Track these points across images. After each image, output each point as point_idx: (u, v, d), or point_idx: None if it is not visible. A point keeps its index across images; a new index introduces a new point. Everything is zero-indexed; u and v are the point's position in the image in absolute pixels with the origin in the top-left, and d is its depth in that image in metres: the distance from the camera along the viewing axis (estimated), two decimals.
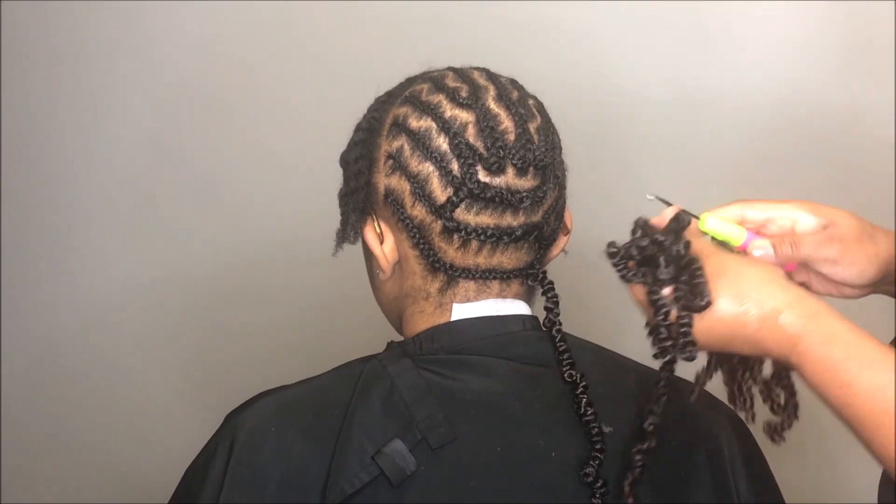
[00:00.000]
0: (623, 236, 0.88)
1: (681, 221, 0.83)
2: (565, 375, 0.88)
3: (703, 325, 0.77)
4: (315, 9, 1.68)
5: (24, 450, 1.85)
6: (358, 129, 0.93)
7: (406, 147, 0.87)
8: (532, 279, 0.91)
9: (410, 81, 0.92)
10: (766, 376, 0.85)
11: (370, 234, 0.91)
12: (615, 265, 0.81)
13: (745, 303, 0.76)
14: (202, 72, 1.74)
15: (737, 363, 0.87)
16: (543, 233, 0.90)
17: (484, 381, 0.87)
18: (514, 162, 0.85)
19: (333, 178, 0.95)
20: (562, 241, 0.94)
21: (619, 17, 1.63)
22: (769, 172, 1.64)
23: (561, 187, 0.91)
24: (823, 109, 1.60)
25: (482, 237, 0.87)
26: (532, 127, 0.87)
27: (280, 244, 1.76)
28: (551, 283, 0.92)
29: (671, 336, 0.79)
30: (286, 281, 1.78)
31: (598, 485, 0.83)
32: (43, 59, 1.77)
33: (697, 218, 0.84)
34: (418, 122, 0.87)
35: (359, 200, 0.91)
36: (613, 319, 1.71)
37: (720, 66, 1.64)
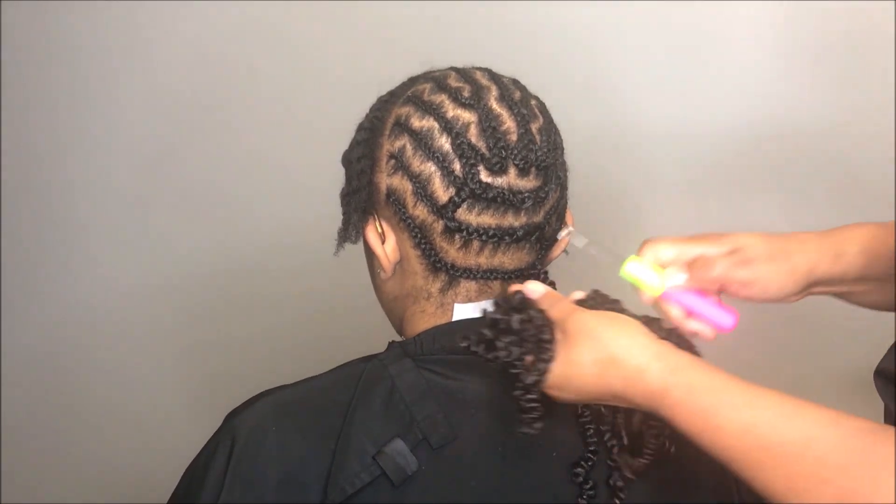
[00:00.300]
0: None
1: (511, 301, 0.85)
2: None
3: (574, 387, 0.79)
4: (315, 9, 1.68)
5: (24, 450, 1.85)
6: (360, 128, 0.93)
7: (408, 147, 0.87)
8: (534, 279, 0.91)
9: (413, 81, 0.92)
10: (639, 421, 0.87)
11: (372, 233, 0.91)
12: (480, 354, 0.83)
13: (607, 365, 0.78)
14: (202, 73, 1.74)
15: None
16: (545, 233, 0.90)
17: (484, 381, 0.87)
18: (516, 162, 0.86)
19: (335, 178, 0.95)
20: (563, 241, 0.94)
21: (620, 19, 1.63)
22: (766, 173, 1.64)
23: (563, 188, 0.91)
24: (822, 120, 1.60)
25: (484, 237, 0.87)
26: (534, 127, 0.87)
27: (280, 244, 1.76)
28: (552, 283, 0.92)
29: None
30: (286, 281, 1.78)
31: (588, 486, 0.84)
32: (41, 63, 1.77)
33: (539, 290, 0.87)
34: (420, 122, 0.87)
35: (360, 200, 0.91)
36: None
37: (720, 63, 1.64)
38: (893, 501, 0.62)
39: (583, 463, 0.84)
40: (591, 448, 0.85)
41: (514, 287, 0.87)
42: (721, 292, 0.90)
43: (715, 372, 0.75)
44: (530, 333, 0.82)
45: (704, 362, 0.77)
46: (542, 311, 0.83)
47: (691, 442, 0.74)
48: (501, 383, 0.84)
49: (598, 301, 0.85)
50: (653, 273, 0.88)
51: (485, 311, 0.85)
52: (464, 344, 0.84)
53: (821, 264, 0.88)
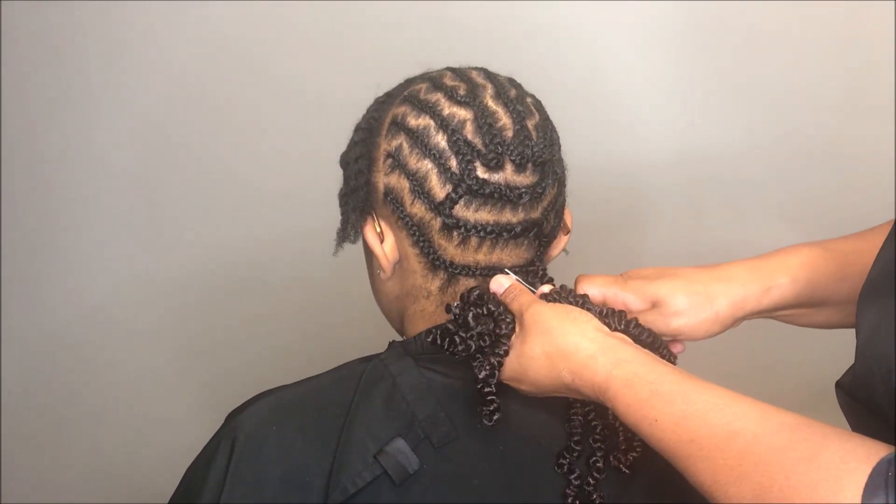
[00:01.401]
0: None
1: (468, 297, 0.87)
2: None
3: (529, 380, 0.82)
4: (315, 10, 1.68)
5: (24, 450, 1.85)
6: (357, 129, 0.93)
7: (405, 145, 0.87)
8: (532, 276, 0.91)
9: (409, 82, 0.93)
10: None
11: (370, 233, 0.91)
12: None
13: (556, 358, 0.80)
14: (202, 72, 1.74)
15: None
16: (543, 230, 0.90)
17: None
18: (512, 158, 0.86)
19: (334, 178, 0.95)
20: (562, 240, 0.94)
21: (619, 19, 1.63)
22: (771, 165, 1.64)
23: (560, 184, 0.92)
24: (823, 98, 1.60)
25: (482, 234, 0.87)
26: (530, 124, 0.88)
27: (281, 244, 1.76)
28: (550, 280, 0.92)
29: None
30: (287, 281, 1.78)
31: (574, 475, 0.84)
32: (41, 60, 1.77)
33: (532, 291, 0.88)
34: (417, 121, 0.87)
35: (359, 200, 0.91)
36: None
37: (720, 63, 1.64)
38: (808, 501, 0.61)
39: (566, 453, 0.85)
40: (576, 439, 0.85)
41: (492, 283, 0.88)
42: None
43: (657, 365, 0.76)
44: (488, 328, 0.84)
45: (651, 356, 0.78)
46: (503, 305, 0.86)
47: (632, 430, 0.76)
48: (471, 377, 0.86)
49: (562, 295, 0.87)
50: None
51: (447, 307, 0.87)
52: (429, 339, 0.87)
53: (748, 302, 0.89)
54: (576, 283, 0.92)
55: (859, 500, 0.59)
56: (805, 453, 0.64)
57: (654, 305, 0.89)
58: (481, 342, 0.85)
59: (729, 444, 0.68)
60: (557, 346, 0.80)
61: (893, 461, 0.59)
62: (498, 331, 0.84)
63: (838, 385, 0.81)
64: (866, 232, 0.93)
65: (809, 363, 1.53)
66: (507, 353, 0.83)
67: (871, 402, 0.73)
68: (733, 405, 0.70)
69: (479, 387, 0.83)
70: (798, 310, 0.92)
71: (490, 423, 0.83)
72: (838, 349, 0.95)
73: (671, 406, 0.72)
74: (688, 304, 0.88)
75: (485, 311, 0.86)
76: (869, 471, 0.60)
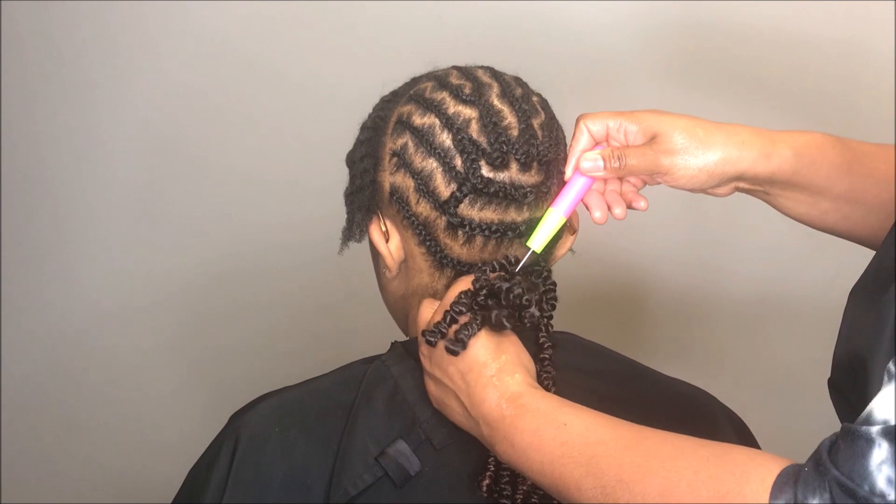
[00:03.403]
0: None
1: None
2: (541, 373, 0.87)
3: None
4: (320, 9, 1.68)
5: (24, 450, 1.85)
6: (363, 128, 0.93)
7: (410, 144, 0.87)
8: (536, 276, 0.91)
9: (415, 81, 0.93)
10: None
11: (376, 232, 0.91)
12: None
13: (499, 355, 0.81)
14: (206, 72, 1.75)
15: None
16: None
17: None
18: (517, 157, 0.85)
19: (339, 177, 0.95)
20: (568, 240, 0.94)
21: (624, 18, 1.63)
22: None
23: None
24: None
25: (487, 232, 0.86)
26: (536, 123, 0.87)
27: (284, 244, 1.76)
28: (553, 283, 0.91)
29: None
30: (290, 282, 1.78)
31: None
32: (44, 58, 1.78)
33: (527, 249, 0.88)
34: (422, 119, 0.87)
35: (364, 199, 0.91)
36: (617, 320, 1.72)
37: (721, 64, 1.64)
38: (714, 496, 0.62)
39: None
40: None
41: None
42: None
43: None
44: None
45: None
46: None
47: (525, 443, 0.76)
48: None
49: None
50: (550, 222, 0.88)
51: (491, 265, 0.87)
52: (482, 292, 0.84)
53: (743, 161, 0.86)
54: (577, 122, 0.90)
55: (766, 499, 0.60)
56: (713, 452, 0.65)
57: (653, 139, 0.87)
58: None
59: (638, 443, 0.69)
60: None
61: (809, 460, 0.60)
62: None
63: (829, 383, 0.82)
64: (888, 146, 0.91)
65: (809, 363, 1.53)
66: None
67: (850, 395, 0.73)
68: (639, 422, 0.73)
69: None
70: (793, 192, 0.89)
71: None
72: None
73: (581, 413, 0.75)
74: (684, 144, 0.86)
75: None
76: (777, 471, 0.61)
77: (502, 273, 0.86)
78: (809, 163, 0.87)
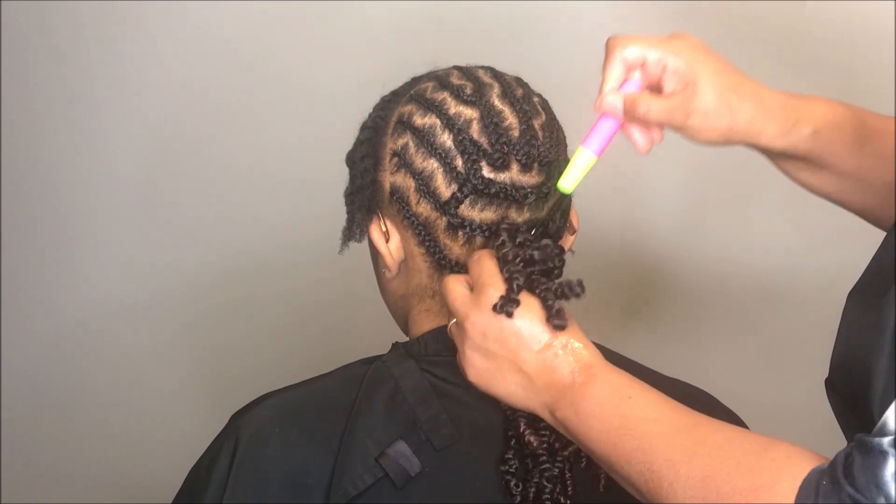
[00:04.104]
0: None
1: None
2: None
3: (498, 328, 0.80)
4: (321, 9, 1.68)
5: (24, 449, 1.85)
6: (364, 127, 0.93)
7: (411, 144, 0.87)
8: (548, 274, 0.90)
9: (416, 80, 0.93)
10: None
11: (376, 232, 0.91)
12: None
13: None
14: (207, 72, 1.74)
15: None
16: (549, 229, 0.90)
17: None
18: (518, 158, 0.85)
19: (339, 177, 0.95)
20: (568, 240, 0.94)
21: (622, 14, 1.63)
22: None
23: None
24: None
25: (487, 233, 0.86)
26: (537, 123, 0.87)
27: (286, 243, 1.76)
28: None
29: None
30: (290, 281, 1.78)
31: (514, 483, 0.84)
32: (44, 57, 1.78)
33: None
34: (423, 120, 0.87)
35: (364, 199, 0.91)
36: (619, 321, 1.72)
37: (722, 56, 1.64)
38: (749, 488, 0.64)
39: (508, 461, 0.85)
40: (544, 445, 0.85)
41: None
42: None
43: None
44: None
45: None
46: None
47: (588, 412, 0.77)
48: None
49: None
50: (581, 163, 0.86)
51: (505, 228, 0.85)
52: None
53: (763, 135, 0.85)
54: (610, 47, 0.85)
55: (792, 500, 0.61)
56: (756, 447, 0.67)
57: (685, 89, 0.83)
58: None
59: (691, 428, 0.71)
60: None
61: (826, 471, 0.61)
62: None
63: (826, 383, 0.82)
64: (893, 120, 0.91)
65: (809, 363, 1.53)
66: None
67: (848, 397, 0.74)
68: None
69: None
70: (800, 163, 0.90)
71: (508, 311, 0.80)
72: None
73: (646, 391, 0.76)
74: (714, 107, 0.83)
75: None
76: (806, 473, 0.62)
77: (527, 237, 0.85)
78: (825, 142, 0.87)
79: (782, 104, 0.86)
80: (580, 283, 0.81)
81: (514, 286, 0.80)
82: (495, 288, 0.80)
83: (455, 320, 0.83)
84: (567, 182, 0.85)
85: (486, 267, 0.81)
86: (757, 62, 1.62)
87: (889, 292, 0.66)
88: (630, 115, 0.84)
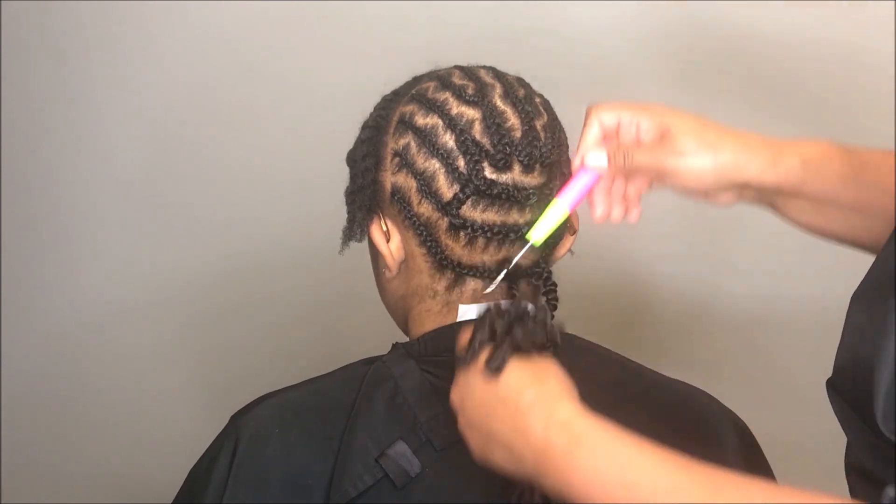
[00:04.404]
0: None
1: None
2: None
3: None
4: (322, 8, 1.68)
5: (24, 449, 1.85)
6: (365, 127, 0.93)
7: (412, 144, 0.86)
8: (536, 278, 0.91)
9: (417, 80, 0.92)
10: None
11: (376, 232, 0.91)
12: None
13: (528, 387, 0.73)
14: (207, 70, 1.74)
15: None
16: (547, 242, 0.89)
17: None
18: (520, 159, 0.85)
19: (340, 176, 0.95)
20: (568, 240, 0.94)
21: (627, 18, 1.63)
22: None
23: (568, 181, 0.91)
24: (825, 101, 1.60)
25: (488, 234, 0.86)
26: (539, 124, 0.87)
27: (286, 243, 1.76)
28: (554, 283, 0.91)
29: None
30: (291, 280, 1.78)
31: None
32: (45, 56, 1.77)
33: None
34: (425, 120, 0.87)
35: (365, 198, 0.91)
36: (619, 322, 1.72)
37: (724, 65, 1.64)
38: None
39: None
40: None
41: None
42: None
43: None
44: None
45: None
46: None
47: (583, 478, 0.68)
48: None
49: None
50: (553, 216, 0.86)
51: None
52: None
53: (750, 167, 0.85)
54: (588, 112, 0.88)
55: None
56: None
57: (662, 137, 0.85)
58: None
59: (716, 493, 0.65)
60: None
61: None
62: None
63: (828, 384, 0.82)
64: (889, 153, 0.90)
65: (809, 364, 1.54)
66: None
67: (852, 399, 0.73)
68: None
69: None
70: (800, 202, 0.88)
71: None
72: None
73: (644, 451, 0.68)
74: (693, 145, 0.84)
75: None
76: None
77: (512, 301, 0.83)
78: (816, 172, 0.86)
79: (764, 140, 0.86)
80: (549, 331, 0.77)
81: (475, 344, 0.76)
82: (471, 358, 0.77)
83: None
84: (538, 234, 0.86)
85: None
86: (756, 64, 1.63)
87: (893, 297, 0.66)
88: (614, 165, 0.85)
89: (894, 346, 0.63)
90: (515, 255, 0.86)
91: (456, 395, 0.78)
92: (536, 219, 0.87)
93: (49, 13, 1.74)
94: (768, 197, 0.88)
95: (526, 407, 0.72)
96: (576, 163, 0.87)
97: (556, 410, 0.71)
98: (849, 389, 0.73)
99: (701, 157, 0.84)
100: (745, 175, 0.85)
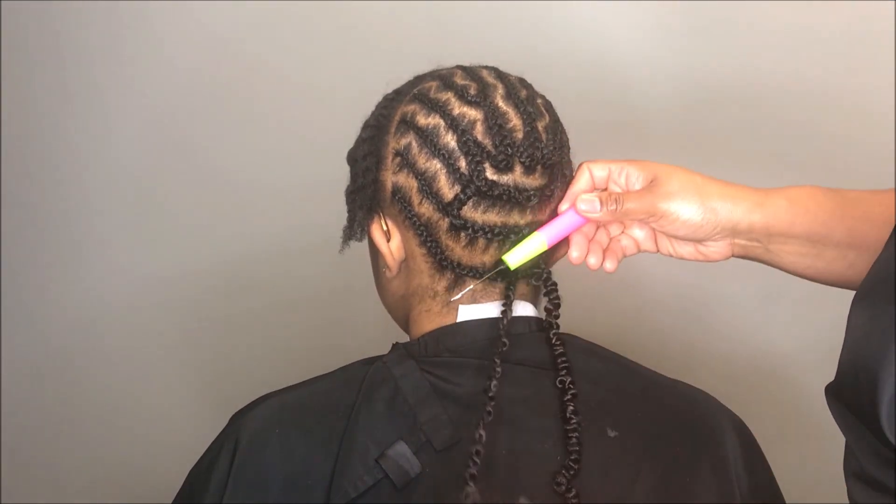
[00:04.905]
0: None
1: None
2: (557, 381, 0.87)
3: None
4: (323, 7, 1.68)
5: (24, 450, 1.84)
6: (366, 126, 0.93)
7: (414, 144, 0.86)
8: (536, 279, 0.91)
9: (419, 79, 0.92)
10: None
11: (377, 231, 0.91)
12: None
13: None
14: (209, 69, 1.74)
15: None
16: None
17: (486, 384, 0.86)
18: (521, 160, 0.85)
19: (340, 175, 0.95)
20: (568, 241, 0.94)
21: (626, 16, 1.63)
22: (776, 167, 1.64)
23: (569, 186, 0.91)
24: (825, 98, 1.60)
25: (489, 235, 0.86)
26: (540, 125, 0.87)
27: (286, 243, 1.76)
28: (555, 283, 0.91)
29: None
30: (292, 280, 1.78)
31: (571, 495, 0.82)
32: (46, 55, 1.77)
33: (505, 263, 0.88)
34: (426, 120, 0.86)
35: (366, 198, 0.91)
36: (619, 321, 1.72)
37: (725, 66, 1.64)
38: None
39: (564, 472, 0.83)
40: (573, 458, 0.83)
41: None
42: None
43: None
44: None
45: None
46: None
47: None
48: (512, 384, 0.84)
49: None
50: (531, 241, 0.88)
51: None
52: None
53: (738, 208, 0.87)
54: (580, 165, 0.91)
55: None
56: None
57: (652, 183, 0.88)
58: None
59: None
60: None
61: None
62: None
63: (828, 389, 0.81)
64: (875, 191, 0.92)
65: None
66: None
67: (855, 404, 0.73)
68: None
69: None
70: (794, 245, 0.90)
71: None
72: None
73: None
74: (682, 188, 0.87)
75: None
76: None
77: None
78: (804, 210, 0.88)
79: (748, 187, 0.89)
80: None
81: None
82: None
83: None
84: (513, 258, 0.87)
85: None
86: (756, 65, 1.63)
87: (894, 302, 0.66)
88: (605, 211, 0.88)
89: None
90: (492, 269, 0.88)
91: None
92: (536, 220, 0.87)
93: (49, 13, 1.74)
94: (760, 242, 0.90)
95: None
96: (563, 206, 0.89)
97: None
98: (852, 394, 0.73)
99: (690, 197, 0.87)
100: (734, 216, 0.87)
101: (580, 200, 0.88)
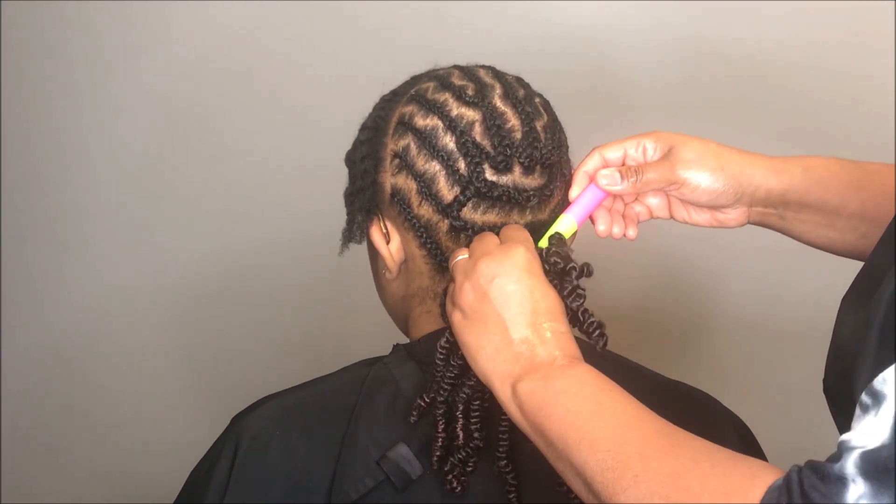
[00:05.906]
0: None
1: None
2: None
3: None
4: (321, 8, 1.68)
5: (24, 450, 1.85)
6: (364, 128, 0.92)
7: (412, 146, 0.86)
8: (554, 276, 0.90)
9: (416, 80, 0.92)
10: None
11: (376, 233, 0.90)
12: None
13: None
14: (207, 71, 1.74)
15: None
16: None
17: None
18: (520, 160, 0.85)
19: (339, 178, 0.94)
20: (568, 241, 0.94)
21: (625, 17, 1.63)
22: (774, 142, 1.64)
23: (568, 186, 0.91)
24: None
25: None
26: (539, 125, 0.87)
27: (285, 244, 1.76)
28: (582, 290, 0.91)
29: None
30: (291, 283, 1.78)
31: (573, 495, 0.81)
32: (45, 55, 1.78)
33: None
34: (424, 121, 0.86)
35: (365, 200, 0.90)
36: (619, 322, 1.72)
37: (726, 66, 1.64)
38: (721, 491, 0.62)
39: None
40: None
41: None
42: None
43: None
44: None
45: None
46: None
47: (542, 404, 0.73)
48: None
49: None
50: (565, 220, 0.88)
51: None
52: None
53: (756, 174, 0.88)
54: (590, 153, 0.90)
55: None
56: (731, 457, 0.65)
57: (669, 152, 0.88)
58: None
59: (669, 433, 0.69)
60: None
61: (783, 488, 0.60)
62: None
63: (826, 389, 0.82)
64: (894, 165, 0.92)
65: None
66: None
67: (837, 397, 0.73)
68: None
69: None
70: (808, 214, 0.90)
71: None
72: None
73: (626, 394, 0.73)
74: (699, 155, 0.87)
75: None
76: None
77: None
78: (819, 179, 0.88)
79: (764, 155, 0.89)
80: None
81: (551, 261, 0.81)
82: (527, 249, 0.79)
83: (467, 256, 0.81)
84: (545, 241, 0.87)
85: (524, 233, 0.82)
86: (756, 65, 1.63)
87: (877, 291, 0.66)
88: (626, 183, 0.87)
89: (874, 340, 0.62)
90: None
91: (494, 264, 0.78)
92: (536, 220, 0.87)
93: (51, 10, 1.74)
94: (776, 210, 0.90)
95: (558, 331, 0.76)
96: (574, 191, 0.89)
97: (572, 348, 0.76)
98: (837, 389, 0.73)
99: (708, 164, 0.87)
100: (752, 181, 0.87)
101: (600, 175, 0.87)
